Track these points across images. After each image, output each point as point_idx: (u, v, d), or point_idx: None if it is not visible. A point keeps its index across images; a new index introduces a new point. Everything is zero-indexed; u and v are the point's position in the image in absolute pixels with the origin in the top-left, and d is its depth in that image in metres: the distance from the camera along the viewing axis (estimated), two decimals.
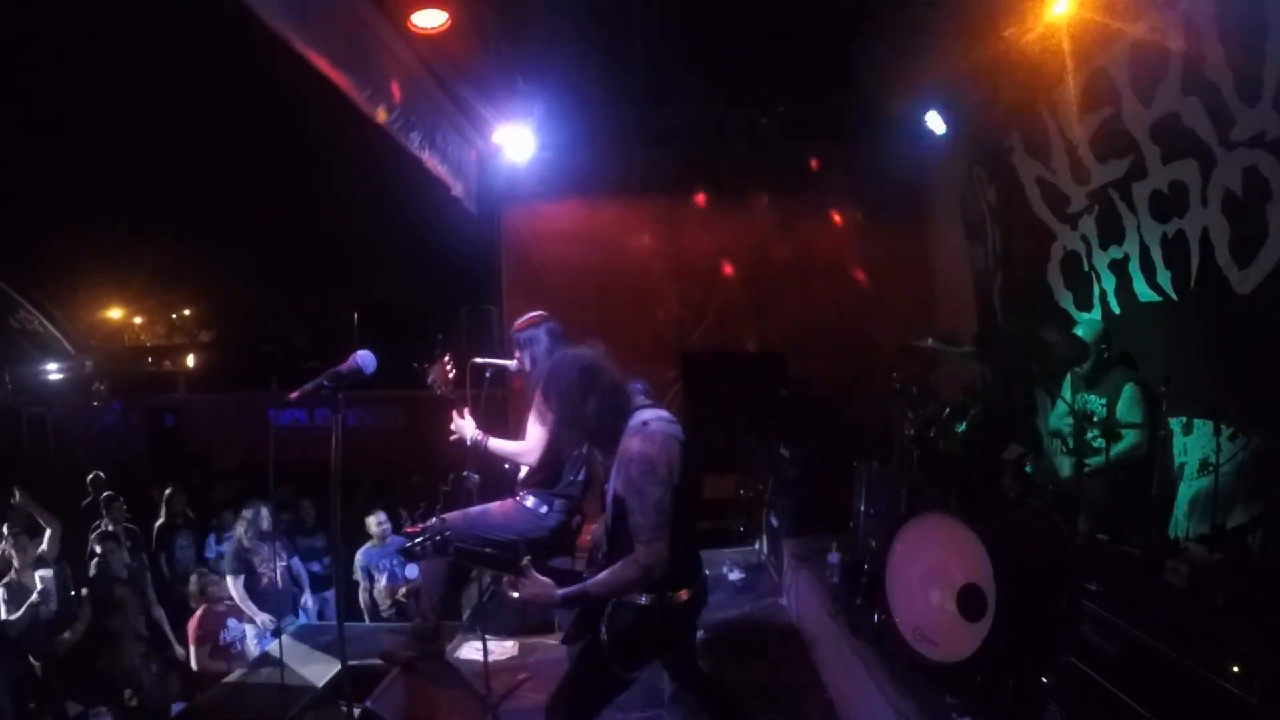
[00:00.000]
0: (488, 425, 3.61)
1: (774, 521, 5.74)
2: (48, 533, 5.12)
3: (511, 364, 3.67)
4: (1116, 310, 4.38)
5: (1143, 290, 4.16)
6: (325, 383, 2.57)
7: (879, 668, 3.39)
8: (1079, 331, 3.98)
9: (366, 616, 6.06)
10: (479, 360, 3.71)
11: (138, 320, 20.72)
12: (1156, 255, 4.03)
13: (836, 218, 7.16)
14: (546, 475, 3.50)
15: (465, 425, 3.55)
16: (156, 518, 6.76)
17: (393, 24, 4.32)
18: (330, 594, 6.14)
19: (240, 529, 5.80)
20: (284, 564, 5.83)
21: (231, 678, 4.31)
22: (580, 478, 3.55)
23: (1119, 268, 4.34)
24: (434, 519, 3.10)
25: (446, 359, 3.64)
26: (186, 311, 21.08)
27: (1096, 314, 4.53)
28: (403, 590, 6.03)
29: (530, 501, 3.49)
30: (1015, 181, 5.30)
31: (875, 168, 6.94)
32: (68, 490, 7.63)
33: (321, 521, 6.91)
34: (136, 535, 6.17)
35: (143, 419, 12.84)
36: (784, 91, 6.30)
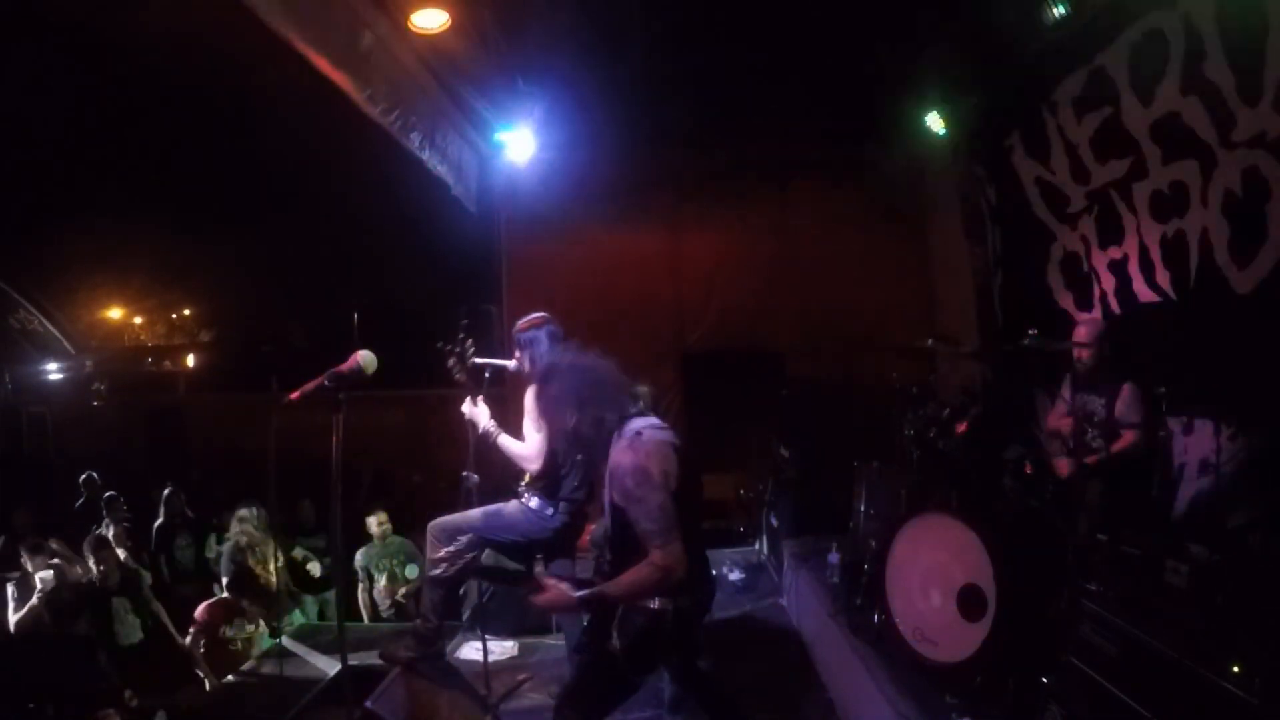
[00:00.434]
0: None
1: (774, 521, 5.74)
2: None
3: (511, 364, 3.66)
4: (1116, 310, 4.38)
5: (1142, 290, 4.16)
6: (326, 382, 2.57)
7: (879, 668, 3.39)
8: (1079, 331, 3.98)
9: (366, 616, 6.06)
10: (479, 360, 3.71)
11: (138, 320, 20.72)
12: (1156, 255, 4.03)
13: (836, 218, 7.16)
14: (550, 478, 3.51)
15: (480, 413, 3.54)
16: (156, 518, 6.76)
17: (393, 24, 4.32)
18: (330, 594, 6.13)
19: (236, 528, 5.80)
20: (282, 564, 5.82)
21: (231, 677, 4.31)
22: (583, 479, 3.55)
23: (1119, 268, 4.34)
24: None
25: (468, 344, 3.64)
26: (186, 311, 21.07)
27: (1097, 314, 4.53)
28: (402, 590, 6.03)
29: (535, 503, 3.50)
30: (1015, 181, 5.30)
31: (875, 168, 6.95)
32: (67, 490, 7.65)
33: (321, 521, 6.90)
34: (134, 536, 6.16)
35: (143, 419, 12.83)
36: (784, 92, 6.30)
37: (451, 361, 3.62)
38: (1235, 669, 2.03)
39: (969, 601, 3.17)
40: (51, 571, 5.07)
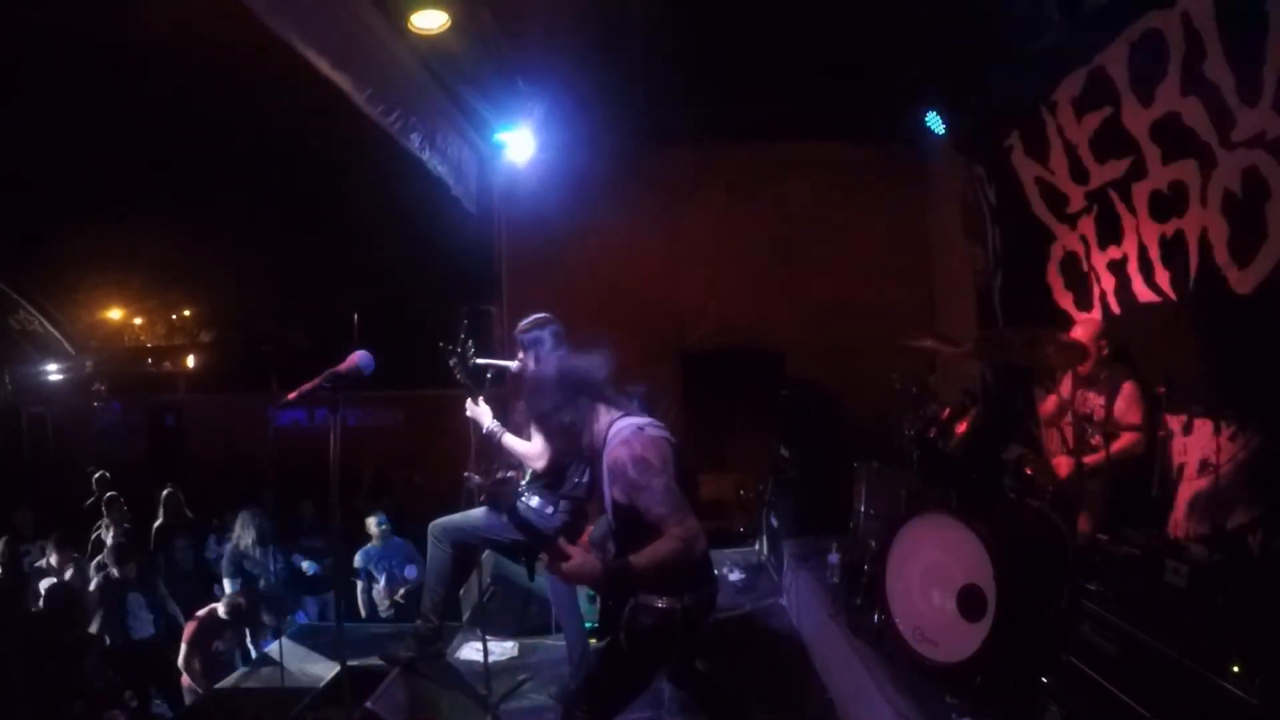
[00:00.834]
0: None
1: (774, 521, 5.74)
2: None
3: (513, 364, 3.67)
4: (1116, 310, 4.38)
5: (1142, 290, 4.16)
6: (324, 383, 2.57)
7: (879, 668, 3.39)
8: (1079, 331, 3.98)
9: (365, 616, 6.06)
10: (480, 360, 3.71)
11: (138, 320, 20.75)
12: (1155, 255, 4.03)
13: (836, 218, 7.16)
14: (551, 477, 3.51)
15: (482, 413, 3.55)
16: (155, 518, 6.76)
17: (393, 24, 4.32)
18: (330, 594, 6.13)
19: (238, 531, 5.81)
20: (281, 564, 5.83)
21: (231, 679, 4.31)
22: (585, 479, 3.55)
23: (1118, 268, 4.34)
24: (509, 474, 3.16)
25: (470, 345, 3.65)
26: (186, 311, 21.11)
27: (1096, 314, 4.52)
28: (402, 591, 6.03)
29: (535, 502, 3.50)
30: (1015, 181, 5.30)
31: (875, 168, 6.94)
32: (68, 490, 7.65)
33: (321, 522, 6.91)
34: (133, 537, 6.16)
35: (143, 419, 12.83)
36: (784, 91, 6.30)
37: (453, 362, 3.62)
38: (1235, 669, 2.03)
39: (969, 601, 3.17)
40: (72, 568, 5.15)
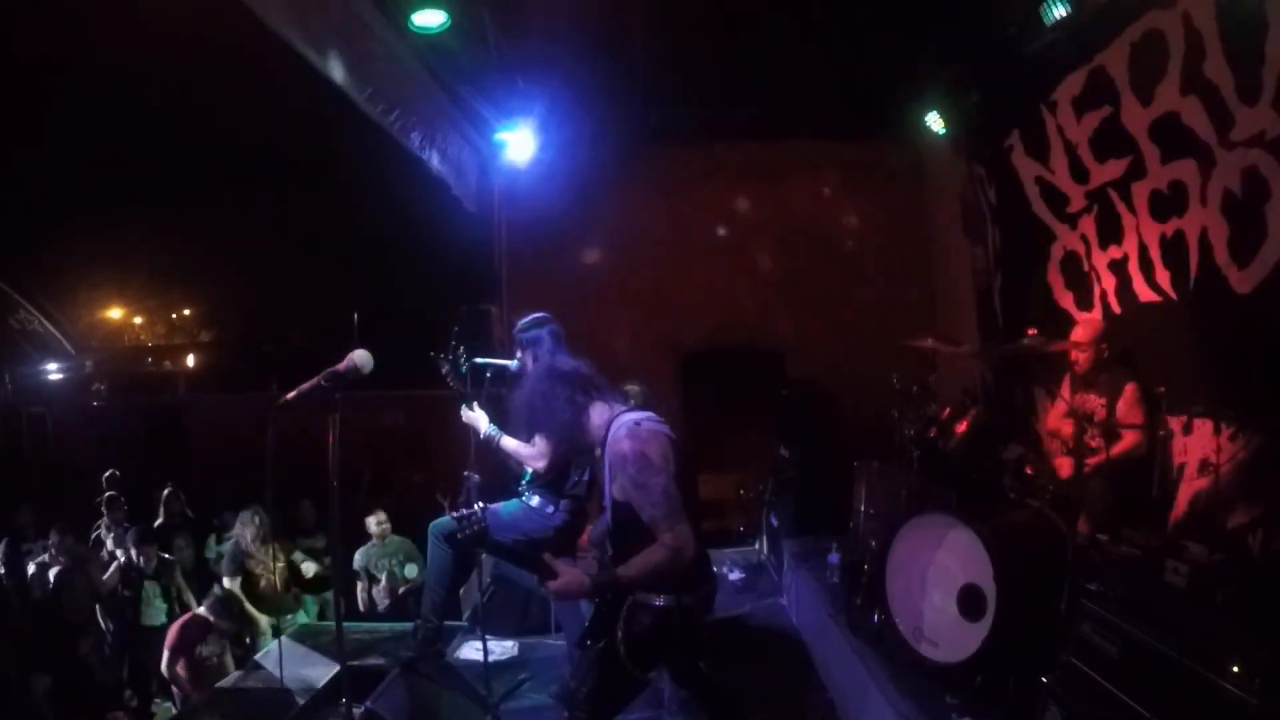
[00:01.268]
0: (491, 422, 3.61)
1: (774, 521, 5.74)
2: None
3: (512, 364, 3.66)
4: (1116, 310, 4.38)
5: (1142, 290, 4.16)
6: (323, 382, 2.57)
7: (879, 668, 3.39)
8: (1079, 331, 3.98)
9: (365, 616, 6.05)
10: (479, 360, 3.71)
11: (138, 320, 20.75)
12: (1155, 255, 4.03)
13: (836, 218, 7.16)
14: (552, 476, 3.51)
15: (479, 419, 3.56)
16: (156, 518, 6.76)
17: (393, 24, 4.32)
18: (330, 594, 6.13)
19: (238, 530, 5.81)
20: (282, 565, 5.82)
21: (231, 679, 4.30)
22: (585, 478, 3.55)
23: (1118, 267, 4.34)
24: (477, 507, 3.13)
25: (460, 351, 3.65)
26: (186, 311, 21.11)
27: (1096, 314, 4.52)
28: (402, 590, 6.02)
29: (536, 501, 3.50)
30: (1015, 181, 5.30)
31: (875, 168, 6.95)
32: (68, 490, 7.65)
33: (321, 521, 6.90)
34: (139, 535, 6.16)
35: (143, 419, 12.82)
36: (784, 91, 6.30)
37: (445, 369, 3.62)
38: (1235, 669, 2.03)
39: (969, 601, 3.17)
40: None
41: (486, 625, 4.30)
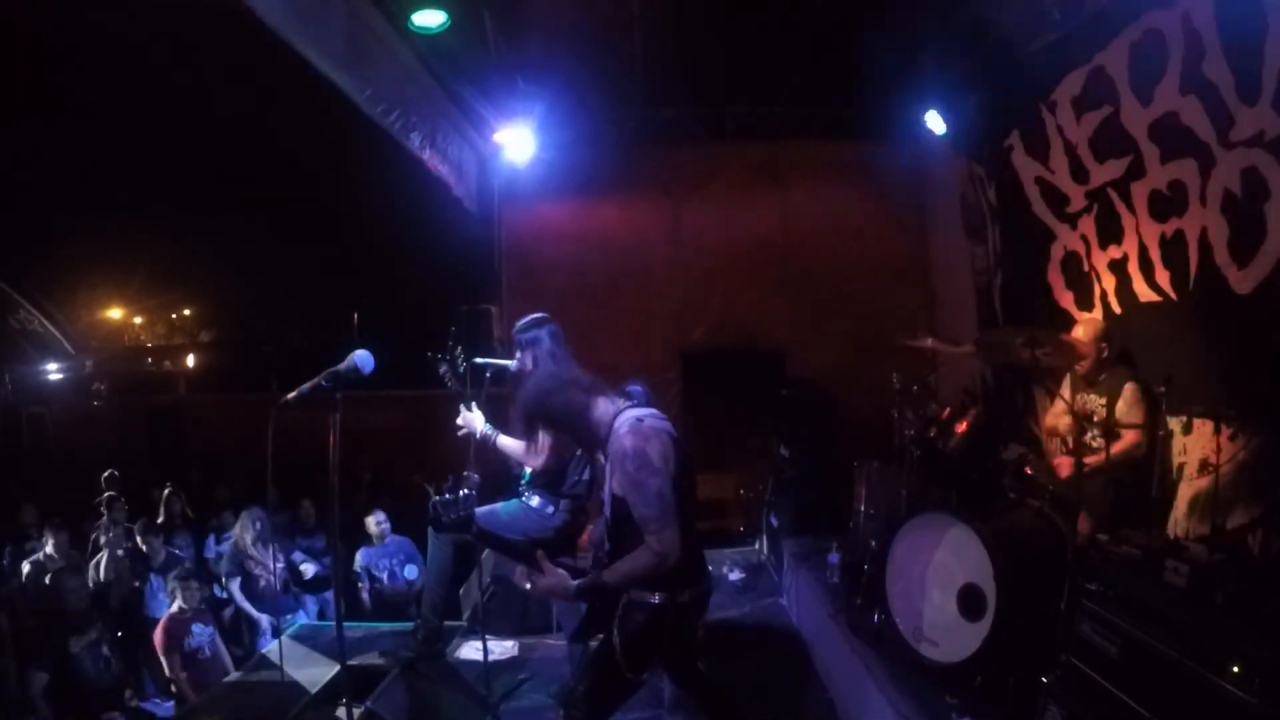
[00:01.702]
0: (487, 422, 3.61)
1: (774, 521, 5.74)
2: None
3: (512, 364, 3.67)
4: (1116, 310, 4.38)
5: (1142, 290, 4.16)
6: (323, 382, 2.57)
7: (879, 668, 3.39)
8: (1079, 331, 3.97)
9: (365, 616, 6.05)
10: (479, 360, 3.71)
11: (138, 320, 20.75)
12: (1155, 255, 4.03)
13: (836, 218, 7.16)
14: (551, 476, 3.51)
15: (475, 419, 3.56)
16: (156, 518, 6.76)
17: (393, 24, 4.32)
18: (330, 594, 6.13)
19: (238, 531, 5.81)
20: (281, 565, 5.83)
21: (231, 678, 4.30)
22: (585, 477, 3.55)
23: (1118, 267, 4.34)
24: (464, 492, 3.14)
25: (458, 352, 3.65)
26: (186, 311, 21.12)
27: (1097, 314, 4.52)
28: (402, 591, 6.03)
29: (536, 501, 3.50)
30: (1015, 181, 5.30)
31: (875, 167, 6.95)
32: (68, 490, 7.65)
33: (321, 521, 6.91)
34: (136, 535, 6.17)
35: (143, 419, 12.83)
36: (784, 91, 6.30)
37: (442, 370, 3.63)
38: (1235, 669, 2.03)
39: (969, 601, 3.18)
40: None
41: (486, 625, 4.30)
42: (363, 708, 3.17)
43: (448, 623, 3.96)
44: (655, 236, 7.26)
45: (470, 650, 4.47)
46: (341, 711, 2.94)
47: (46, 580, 5.19)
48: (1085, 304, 4.67)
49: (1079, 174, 4.61)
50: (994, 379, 5.69)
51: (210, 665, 5.03)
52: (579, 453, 3.46)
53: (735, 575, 5.48)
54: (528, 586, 2.53)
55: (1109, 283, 4.44)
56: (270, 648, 4.69)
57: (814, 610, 4.41)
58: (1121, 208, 4.25)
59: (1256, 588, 2.38)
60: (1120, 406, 3.67)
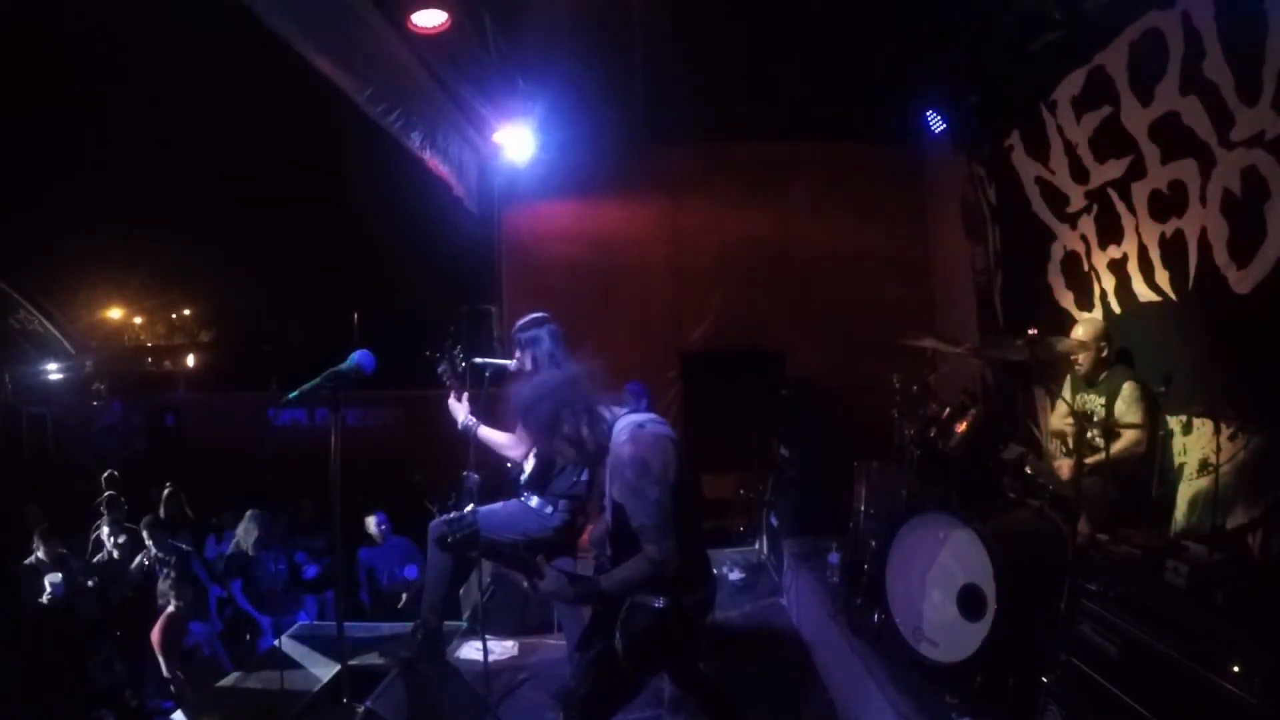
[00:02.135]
0: (487, 424, 3.62)
1: (774, 521, 5.74)
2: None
3: (512, 364, 3.67)
4: (1116, 310, 4.38)
5: (1142, 290, 4.16)
6: (324, 383, 2.57)
7: (879, 668, 3.39)
8: (1079, 331, 3.98)
9: (365, 616, 6.06)
10: (479, 360, 3.72)
11: (138, 320, 20.75)
12: (1155, 255, 4.03)
13: (836, 218, 7.16)
14: (550, 476, 3.51)
15: (459, 409, 3.58)
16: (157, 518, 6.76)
17: (393, 24, 4.32)
18: (330, 594, 6.13)
19: (241, 532, 5.82)
20: (283, 567, 5.83)
21: (231, 679, 4.30)
22: (584, 478, 3.55)
23: (1118, 267, 4.34)
24: (467, 510, 3.14)
25: (458, 351, 3.66)
26: (186, 311, 21.12)
27: (1097, 314, 4.53)
28: (404, 595, 6.03)
29: (535, 502, 3.50)
30: (1015, 181, 5.30)
31: (875, 168, 6.94)
32: (68, 490, 7.65)
33: (321, 522, 6.91)
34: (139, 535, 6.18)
35: (143, 419, 12.82)
36: (784, 91, 6.30)
37: (441, 369, 3.64)
38: (1235, 669, 2.03)
39: (969, 601, 3.18)
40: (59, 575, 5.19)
41: (486, 625, 4.30)
42: (363, 708, 3.17)
43: (447, 623, 3.96)
44: (655, 236, 7.25)
45: (470, 650, 4.47)
46: (342, 712, 2.94)
47: (46, 591, 5.17)
48: (1085, 304, 4.67)
49: (1079, 174, 4.61)
50: (994, 379, 5.69)
51: (208, 664, 5.04)
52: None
53: (735, 575, 5.48)
54: (535, 590, 2.52)
55: (1109, 283, 4.44)
56: (270, 648, 4.69)
57: (814, 610, 4.41)
58: (1121, 208, 4.25)
59: (1256, 588, 2.38)
60: (1119, 406, 3.68)
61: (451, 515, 3.03)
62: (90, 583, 5.64)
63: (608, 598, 2.48)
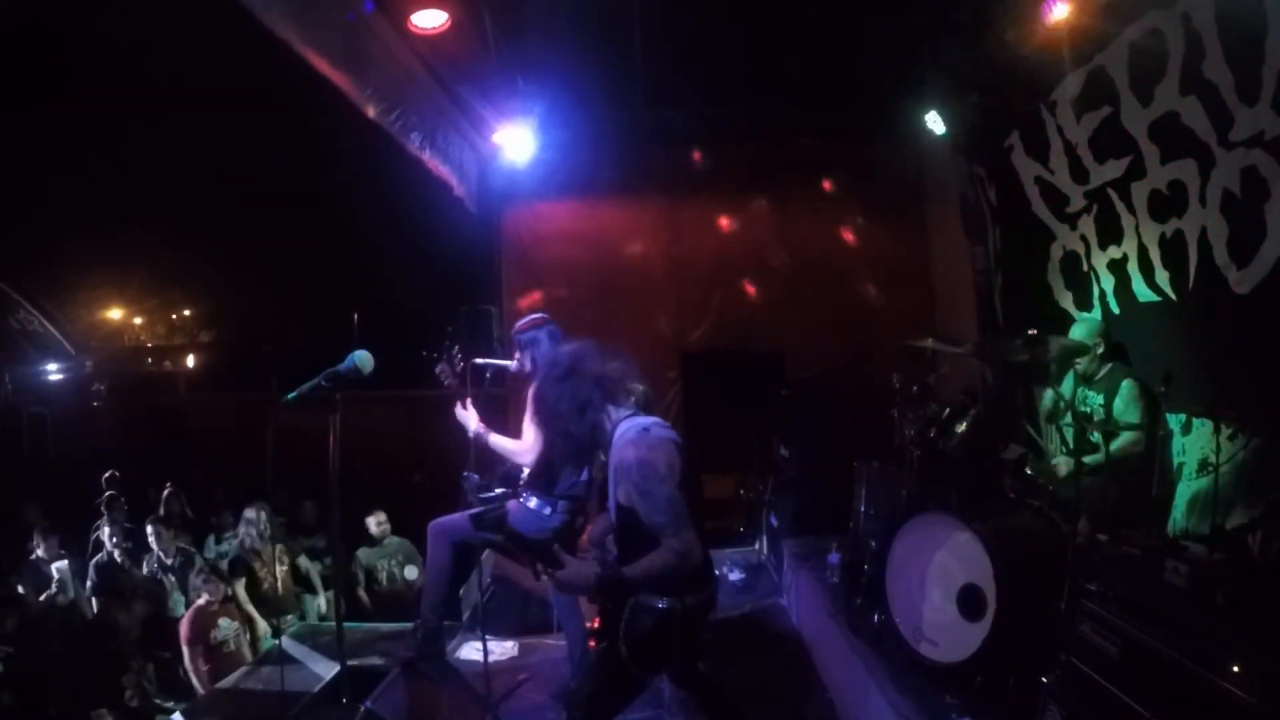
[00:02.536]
0: (487, 425, 3.62)
1: (774, 521, 5.74)
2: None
3: (511, 364, 3.67)
4: (1116, 310, 4.38)
5: (1141, 290, 4.16)
6: (323, 382, 2.57)
7: (879, 668, 3.39)
8: (1078, 331, 3.98)
9: (365, 616, 6.05)
10: (479, 360, 3.72)
11: (138, 320, 20.74)
12: (1155, 255, 4.03)
13: (836, 218, 7.16)
14: (547, 477, 3.51)
15: (468, 417, 3.58)
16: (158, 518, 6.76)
17: (393, 24, 4.32)
18: (330, 594, 6.13)
19: (243, 530, 5.82)
20: (284, 567, 5.83)
21: (231, 679, 4.30)
22: (584, 478, 3.56)
23: (1118, 268, 4.34)
24: (501, 490, 3.16)
25: (455, 352, 3.66)
26: (186, 311, 21.11)
27: (1096, 314, 4.53)
28: (402, 590, 6.03)
29: (534, 503, 3.50)
30: (1015, 181, 5.30)
31: (875, 168, 6.94)
32: (68, 490, 7.65)
33: (322, 521, 6.91)
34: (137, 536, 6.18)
35: (143, 419, 12.82)
36: (784, 91, 6.30)
37: (440, 369, 3.64)
38: (1235, 669, 2.03)
39: (969, 601, 3.18)
40: (66, 563, 5.22)
41: (486, 625, 4.30)
42: (363, 708, 3.17)
43: (447, 623, 3.96)
44: (655, 236, 7.25)
45: (470, 650, 4.47)
46: (342, 712, 2.94)
47: (55, 578, 5.19)
48: (1085, 304, 4.67)
49: (1079, 174, 4.61)
50: (994, 379, 5.69)
51: (233, 659, 5.04)
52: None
53: (735, 575, 5.48)
54: (544, 580, 2.52)
55: (1109, 283, 4.44)
56: (270, 648, 4.69)
57: (814, 610, 4.41)
58: (1121, 208, 4.25)
59: (1256, 588, 2.38)
60: (1118, 404, 3.68)
61: (488, 494, 3.05)
62: (89, 583, 5.65)
63: (630, 587, 2.46)
